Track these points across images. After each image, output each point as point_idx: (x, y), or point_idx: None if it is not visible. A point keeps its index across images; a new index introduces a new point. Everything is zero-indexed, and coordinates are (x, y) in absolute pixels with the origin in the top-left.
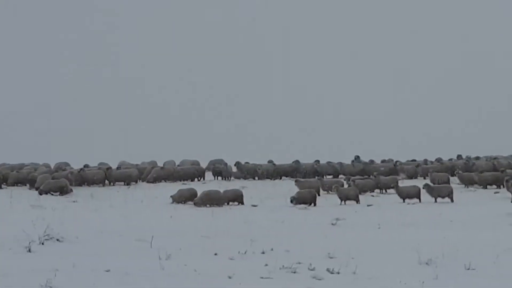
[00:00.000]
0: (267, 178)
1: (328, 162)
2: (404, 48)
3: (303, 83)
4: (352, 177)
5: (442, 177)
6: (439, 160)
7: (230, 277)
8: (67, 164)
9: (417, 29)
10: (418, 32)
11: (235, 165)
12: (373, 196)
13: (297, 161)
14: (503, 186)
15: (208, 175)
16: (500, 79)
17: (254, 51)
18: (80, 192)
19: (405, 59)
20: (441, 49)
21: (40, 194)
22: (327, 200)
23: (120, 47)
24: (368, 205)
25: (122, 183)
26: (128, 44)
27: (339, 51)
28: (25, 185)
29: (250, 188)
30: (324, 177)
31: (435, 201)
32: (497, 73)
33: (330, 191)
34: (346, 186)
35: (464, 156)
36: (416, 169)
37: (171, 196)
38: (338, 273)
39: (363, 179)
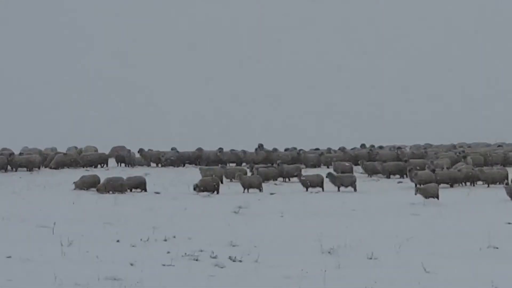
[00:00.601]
0: (170, 165)
1: (232, 150)
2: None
3: (203, 69)
4: (256, 165)
5: (345, 166)
6: (342, 149)
7: (132, 264)
8: None
9: None
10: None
11: (138, 152)
12: (276, 184)
13: (200, 149)
14: (406, 176)
15: (111, 161)
16: (398, 71)
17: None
18: None
19: (298, 50)
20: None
21: None
22: (230, 188)
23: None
24: (271, 194)
25: (25, 169)
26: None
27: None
28: None
29: (153, 175)
30: (227, 164)
31: (338, 190)
32: (393, 65)
33: (233, 179)
34: (249, 174)
35: (367, 146)
36: (319, 158)
37: (74, 183)
38: (241, 261)
39: (266, 167)
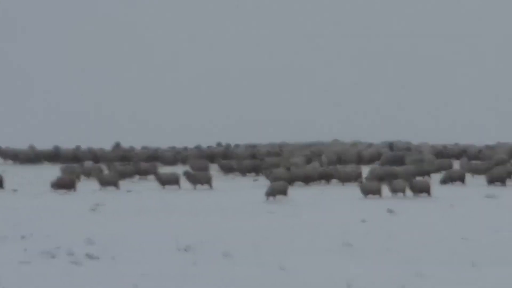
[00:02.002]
0: (28, 163)
1: (89, 148)
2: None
3: (58, 66)
4: (113, 163)
5: (201, 164)
6: (198, 147)
7: None
8: None
9: None
10: None
11: None
12: (133, 182)
13: (57, 146)
14: (262, 174)
15: None
16: (251, 68)
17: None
18: None
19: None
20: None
21: None
22: (88, 186)
23: None
24: (128, 191)
25: None
26: None
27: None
28: None
29: (10, 173)
30: (85, 162)
31: (195, 188)
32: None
33: (90, 177)
34: (106, 172)
35: (224, 144)
36: (176, 156)
37: None
38: (98, 258)
39: (123, 165)
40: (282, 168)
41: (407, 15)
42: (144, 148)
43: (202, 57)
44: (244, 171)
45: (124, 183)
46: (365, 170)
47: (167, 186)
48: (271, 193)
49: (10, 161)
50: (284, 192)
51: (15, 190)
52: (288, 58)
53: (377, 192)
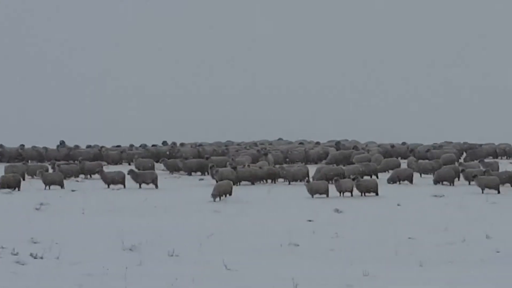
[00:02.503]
0: None
1: (33, 147)
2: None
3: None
4: (57, 162)
5: (147, 163)
6: (144, 146)
7: None
8: None
9: None
10: None
11: None
12: (78, 181)
13: (1, 145)
14: (208, 173)
15: None
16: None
17: None
18: None
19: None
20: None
21: None
22: (32, 185)
23: None
24: (72, 190)
25: None
26: None
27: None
28: None
29: None
30: (29, 161)
31: (140, 187)
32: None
33: (34, 176)
34: (50, 171)
35: (169, 143)
36: (121, 155)
37: None
38: (42, 258)
39: (68, 164)
40: (228, 167)
41: (351, 14)
42: (89, 147)
43: (147, 56)
44: (189, 170)
45: (68, 182)
46: (312, 169)
47: (112, 185)
48: (217, 194)
49: None
50: (229, 192)
51: None
52: (232, 57)
53: (324, 191)
